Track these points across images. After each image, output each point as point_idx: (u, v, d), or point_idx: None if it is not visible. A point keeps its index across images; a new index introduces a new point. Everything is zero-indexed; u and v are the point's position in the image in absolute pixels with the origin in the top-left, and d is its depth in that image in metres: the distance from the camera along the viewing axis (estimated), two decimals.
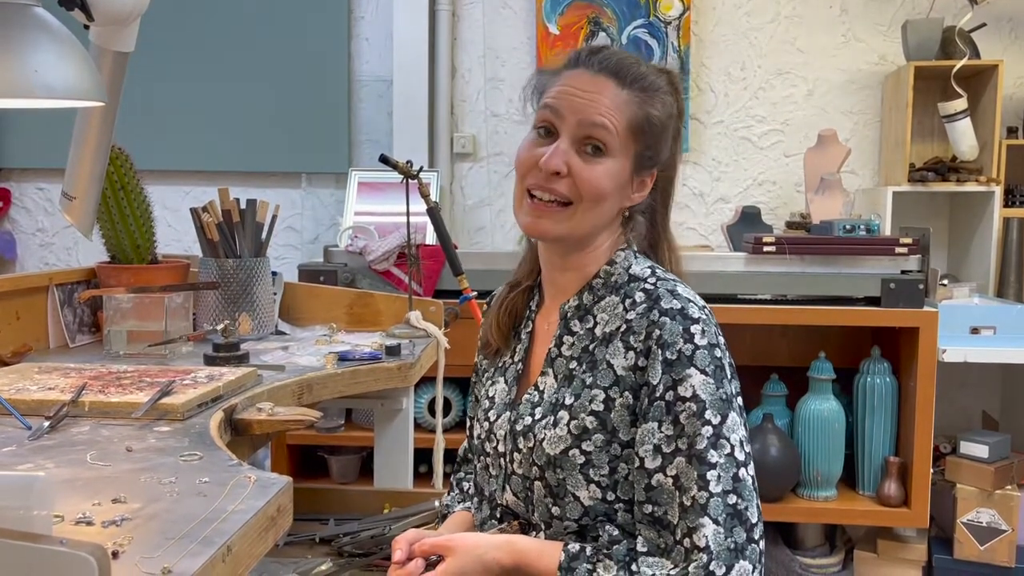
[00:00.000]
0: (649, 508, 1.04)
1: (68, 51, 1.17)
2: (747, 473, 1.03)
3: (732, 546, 1.00)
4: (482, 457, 1.23)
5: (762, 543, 1.03)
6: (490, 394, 1.24)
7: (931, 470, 2.75)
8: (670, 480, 1.02)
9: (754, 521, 1.02)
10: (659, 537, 1.04)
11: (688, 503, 1.01)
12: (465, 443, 1.40)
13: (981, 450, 2.77)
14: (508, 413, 1.19)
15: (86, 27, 1.44)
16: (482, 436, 1.23)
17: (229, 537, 0.81)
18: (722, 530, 1.00)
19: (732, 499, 1.01)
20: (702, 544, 0.99)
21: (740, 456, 1.03)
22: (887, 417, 2.80)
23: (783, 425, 2.85)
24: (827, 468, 2.81)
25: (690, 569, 0.99)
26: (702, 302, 1.12)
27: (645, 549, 1.04)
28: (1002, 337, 2.76)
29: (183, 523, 0.83)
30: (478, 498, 1.26)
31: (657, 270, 1.16)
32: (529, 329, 1.23)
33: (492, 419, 1.21)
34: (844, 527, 3.05)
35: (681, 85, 1.20)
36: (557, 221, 1.11)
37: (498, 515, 1.19)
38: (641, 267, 1.16)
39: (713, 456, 1.02)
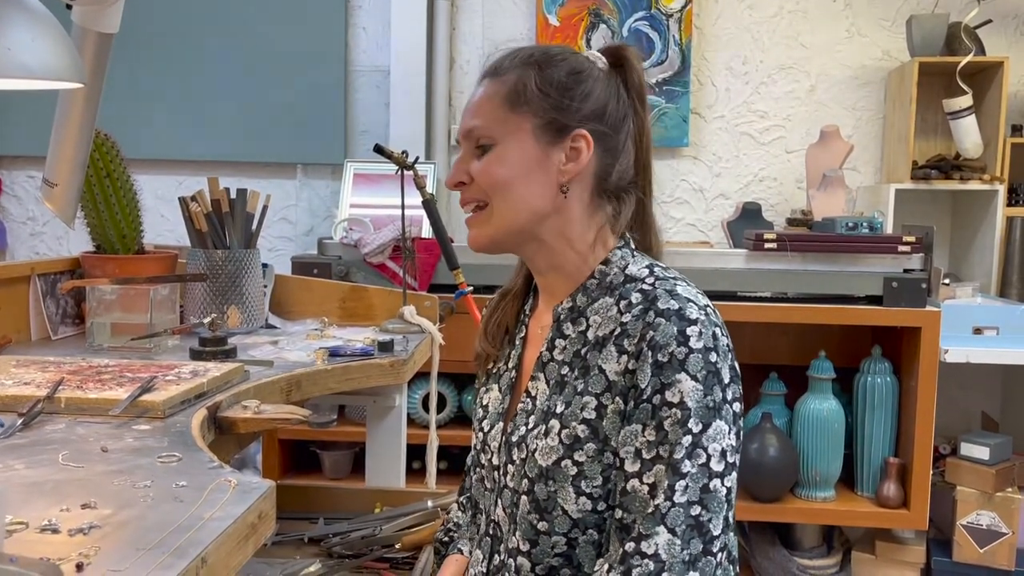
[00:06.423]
0: (619, 513, 1.00)
1: (45, 30, 1.11)
2: (721, 485, 0.98)
3: (687, 558, 0.95)
4: (478, 469, 1.19)
5: (720, 555, 0.99)
6: (484, 403, 1.19)
7: (931, 471, 2.71)
8: (645, 488, 0.98)
9: (715, 534, 0.98)
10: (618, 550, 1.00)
11: (651, 511, 0.97)
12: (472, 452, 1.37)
13: (982, 452, 2.74)
14: (502, 424, 1.14)
15: (68, 7, 1.39)
16: (478, 448, 1.19)
17: (204, 547, 0.76)
18: (678, 541, 0.95)
19: (696, 510, 0.96)
20: (651, 552, 0.95)
21: (717, 467, 0.98)
22: (887, 417, 2.77)
23: (782, 424, 2.81)
24: (826, 468, 2.77)
25: (633, 573, 0.95)
26: (704, 301, 1.04)
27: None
28: (1005, 338, 2.73)
29: (156, 531, 0.78)
30: (472, 511, 1.22)
31: (656, 268, 1.08)
32: (523, 334, 1.19)
33: (486, 430, 1.16)
34: (842, 528, 3.02)
35: (551, 53, 1.11)
36: (482, 225, 1.10)
37: (490, 531, 1.14)
38: (639, 267, 1.09)
39: (686, 466, 0.96)
